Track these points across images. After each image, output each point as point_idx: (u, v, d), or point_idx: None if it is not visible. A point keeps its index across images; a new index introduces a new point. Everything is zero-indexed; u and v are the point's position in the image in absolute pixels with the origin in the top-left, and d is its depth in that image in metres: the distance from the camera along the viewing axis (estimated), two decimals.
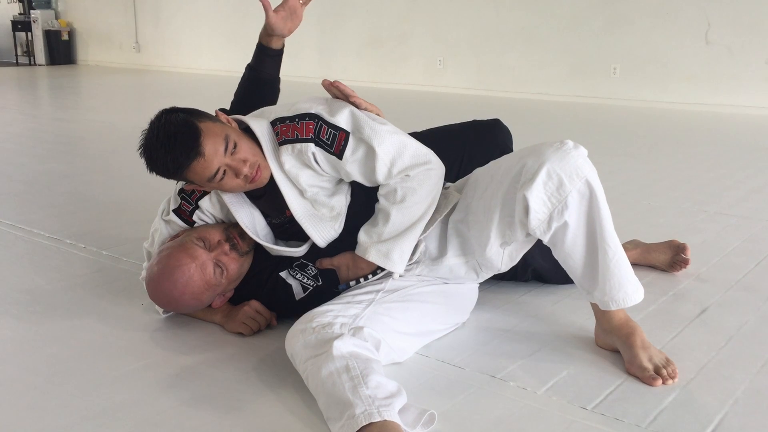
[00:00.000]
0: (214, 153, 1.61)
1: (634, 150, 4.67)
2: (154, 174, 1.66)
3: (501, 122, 2.20)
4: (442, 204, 1.79)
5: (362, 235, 1.75)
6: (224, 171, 1.64)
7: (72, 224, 2.79)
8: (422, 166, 1.73)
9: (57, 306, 2.00)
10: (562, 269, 1.71)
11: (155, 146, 1.61)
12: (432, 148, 1.82)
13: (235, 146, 1.64)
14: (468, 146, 2.14)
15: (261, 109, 1.84)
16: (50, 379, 1.58)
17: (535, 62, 7.75)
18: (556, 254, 1.66)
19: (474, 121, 2.23)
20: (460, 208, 1.79)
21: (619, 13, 7.11)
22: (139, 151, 1.65)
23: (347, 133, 1.70)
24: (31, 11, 12.71)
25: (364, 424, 1.28)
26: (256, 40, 2.05)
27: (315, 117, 1.71)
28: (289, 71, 10.48)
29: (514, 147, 2.16)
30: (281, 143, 1.71)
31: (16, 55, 13.15)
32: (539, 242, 1.75)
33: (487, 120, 2.22)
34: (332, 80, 1.84)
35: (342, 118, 1.71)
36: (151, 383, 1.56)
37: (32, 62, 12.76)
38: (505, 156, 1.76)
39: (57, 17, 12.86)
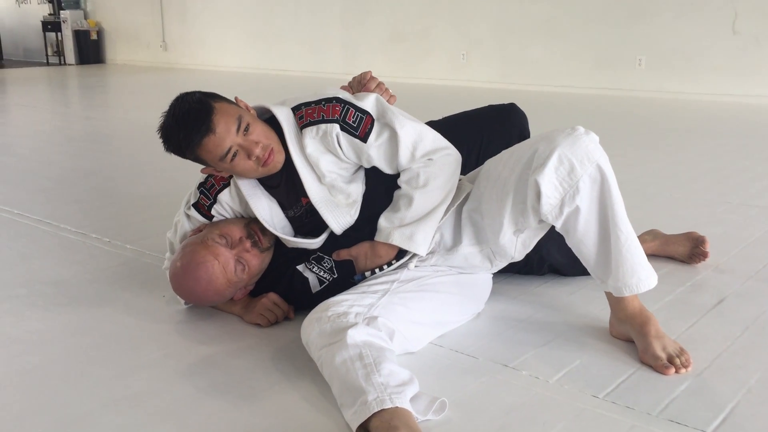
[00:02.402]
0: (226, 131, 1.65)
1: (658, 141, 4.63)
2: (171, 153, 1.72)
3: (516, 106, 2.21)
4: (455, 194, 1.81)
5: (383, 221, 1.77)
6: (236, 151, 1.68)
7: (98, 219, 2.86)
8: (443, 151, 1.78)
9: (82, 298, 2.05)
10: (580, 264, 1.71)
11: (170, 124, 1.67)
12: (450, 134, 1.86)
13: (248, 127, 1.68)
14: (486, 129, 2.16)
15: (282, 99, 1.88)
16: (74, 368, 1.63)
17: (559, 55, 7.69)
18: (568, 241, 1.67)
19: (489, 105, 2.25)
20: (474, 197, 1.80)
21: (644, 3, 7.03)
22: (158, 131, 1.71)
23: (373, 118, 1.74)
24: (61, 11, 12.92)
25: (376, 410, 1.30)
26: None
27: (341, 101, 1.75)
28: (313, 67, 10.40)
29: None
30: (305, 126, 1.74)
31: (47, 55, 13.38)
32: (556, 238, 1.76)
33: (503, 104, 2.23)
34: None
35: (369, 103, 1.77)
36: (170, 372, 1.60)
37: (62, 62, 12.98)
38: (517, 144, 1.77)
39: (86, 17, 13.06)
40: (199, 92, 1.72)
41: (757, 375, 1.55)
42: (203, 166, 1.79)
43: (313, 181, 1.78)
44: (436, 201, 1.75)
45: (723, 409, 1.41)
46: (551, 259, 2.05)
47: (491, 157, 1.88)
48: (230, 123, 1.66)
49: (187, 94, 1.71)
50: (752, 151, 4.28)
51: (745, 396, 1.46)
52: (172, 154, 1.73)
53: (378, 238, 1.77)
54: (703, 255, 2.22)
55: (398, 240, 1.73)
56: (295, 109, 1.78)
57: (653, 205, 2.98)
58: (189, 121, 1.65)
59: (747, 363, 1.60)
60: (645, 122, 5.56)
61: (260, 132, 1.71)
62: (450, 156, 1.79)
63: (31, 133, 5.32)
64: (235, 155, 1.68)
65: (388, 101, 1.92)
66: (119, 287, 2.12)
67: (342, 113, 1.73)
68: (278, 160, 1.74)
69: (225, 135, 1.65)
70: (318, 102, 1.76)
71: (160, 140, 1.71)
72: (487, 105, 2.28)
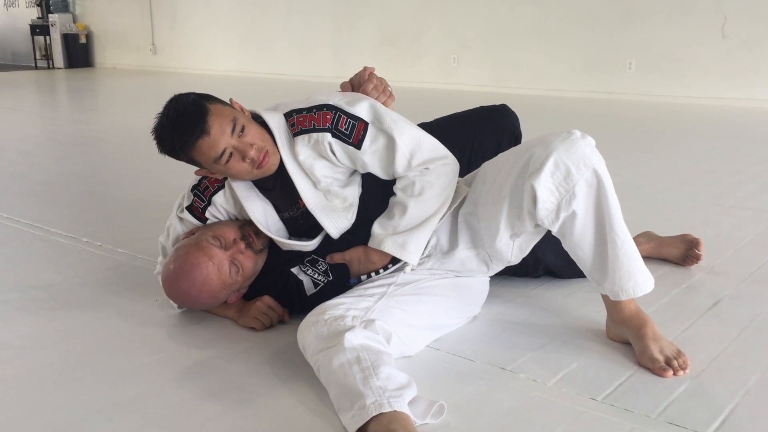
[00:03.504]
0: (220, 133, 1.64)
1: (650, 144, 4.65)
2: (164, 154, 1.70)
3: (508, 107, 2.21)
4: (452, 197, 1.80)
5: (377, 228, 1.76)
6: (230, 153, 1.66)
7: (88, 223, 2.83)
8: (440, 160, 1.76)
9: (73, 302, 2.03)
10: (575, 265, 1.71)
11: (164, 125, 1.66)
12: (442, 135, 1.84)
13: (242, 129, 1.67)
14: (477, 130, 2.16)
15: (275, 104, 1.86)
16: (65, 373, 1.61)
17: (550, 58, 7.71)
18: (565, 245, 1.66)
19: (481, 107, 2.25)
20: (470, 200, 1.79)
21: (634, 7, 7.06)
22: (152, 132, 1.69)
23: (366, 123, 1.72)
24: (49, 15, 12.84)
25: (374, 414, 1.29)
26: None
27: (332, 108, 1.73)
28: (303, 71, 10.36)
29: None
30: (297, 134, 1.73)
31: (35, 58, 13.29)
32: (551, 240, 1.75)
33: (494, 105, 2.23)
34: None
35: (362, 109, 1.74)
36: (164, 377, 1.59)
37: (51, 65, 12.90)
38: (513, 148, 1.77)
39: (75, 21, 12.99)
40: (194, 93, 1.70)
41: (755, 376, 1.54)
42: (196, 168, 1.77)
43: (309, 187, 1.77)
44: (430, 210, 1.74)
45: (722, 410, 1.41)
46: (546, 261, 2.05)
47: (483, 158, 1.87)
48: (225, 125, 1.65)
49: (181, 95, 1.69)
50: (743, 153, 4.29)
51: (744, 398, 1.46)
52: (166, 156, 1.71)
53: (371, 244, 1.76)
54: (696, 257, 2.22)
55: (390, 248, 1.72)
56: (287, 116, 1.77)
57: (646, 207, 2.98)
58: (183, 123, 1.63)
59: (745, 364, 1.60)
60: (635, 125, 5.58)
61: (255, 134, 1.69)
62: (447, 166, 1.77)
63: (20, 136, 5.27)
64: (229, 157, 1.67)
65: (386, 101, 1.90)
66: (111, 291, 2.10)
67: (333, 121, 1.72)
68: (273, 162, 1.72)
69: (219, 137, 1.64)
70: (309, 110, 1.74)
71: (154, 141, 1.69)
72: (478, 106, 2.27)
